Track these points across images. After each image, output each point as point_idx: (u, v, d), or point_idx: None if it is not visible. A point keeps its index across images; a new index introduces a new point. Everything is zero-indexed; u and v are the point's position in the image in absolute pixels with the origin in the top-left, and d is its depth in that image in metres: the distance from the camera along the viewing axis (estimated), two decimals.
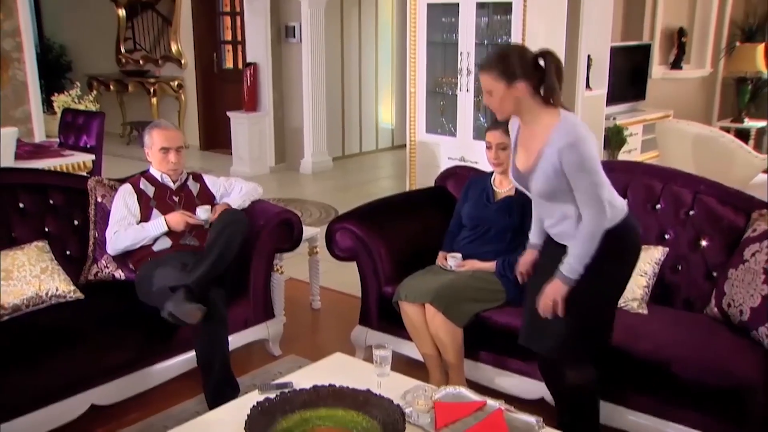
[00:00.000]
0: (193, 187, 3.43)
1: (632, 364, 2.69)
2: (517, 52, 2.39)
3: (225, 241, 3.01)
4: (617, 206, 2.43)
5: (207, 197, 3.42)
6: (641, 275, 3.02)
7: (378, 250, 3.32)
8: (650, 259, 3.05)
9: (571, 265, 2.36)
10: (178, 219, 3.21)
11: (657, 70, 7.74)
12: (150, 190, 3.33)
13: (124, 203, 3.27)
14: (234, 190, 3.52)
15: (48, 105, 7.04)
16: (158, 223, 3.21)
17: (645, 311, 2.98)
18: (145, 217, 3.26)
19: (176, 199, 3.34)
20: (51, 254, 3.13)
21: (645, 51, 7.42)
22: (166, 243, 3.22)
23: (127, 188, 3.32)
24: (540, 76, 2.31)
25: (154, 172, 3.38)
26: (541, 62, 2.32)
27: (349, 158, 9.04)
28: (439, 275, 3.12)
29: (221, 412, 2.38)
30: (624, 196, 3.31)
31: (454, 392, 2.34)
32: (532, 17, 5.16)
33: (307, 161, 8.12)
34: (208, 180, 3.52)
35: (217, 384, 2.94)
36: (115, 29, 10.32)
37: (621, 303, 2.98)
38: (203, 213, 3.26)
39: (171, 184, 3.38)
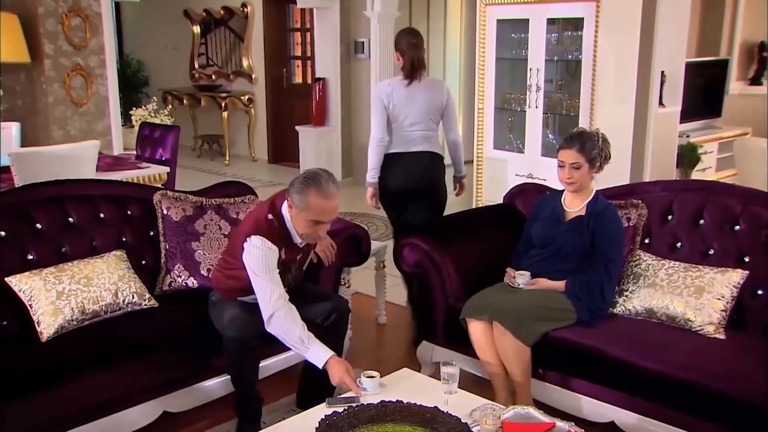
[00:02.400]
0: None
1: (701, 389, 2.60)
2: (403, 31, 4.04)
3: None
4: (391, 148, 3.91)
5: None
6: (718, 299, 2.92)
7: (446, 266, 3.31)
8: (728, 282, 2.95)
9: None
10: (339, 377, 2.60)
11: (735, 86, 7.49)
12: (282, 253, 2.87)
13: (276, 273, 2.78)
14: None
15: (126, 118, 7.32)
16: (317, 359, 2.67)
17: (722, 336, 2.88)
18: None
19: (298, 257, 3.00)
20: (128, 263, 3.23)
21: (722, 66, 7.20)
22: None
23: (275, 251, 2.79)
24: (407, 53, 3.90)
25: (291, 228, 2.85)
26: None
27: None
28: (507, 293, 3.09)
29: (289, 424, 2.41)
30: (700, 217, 3.24)
31: (522, 412, 2.31)
32: (604, 33, 5.08)
33: None
34: None
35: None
36: (190, 46, 10.67)
37: (696, 327, 2.90)
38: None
39: (300, 244, 2.96)
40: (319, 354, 2.66)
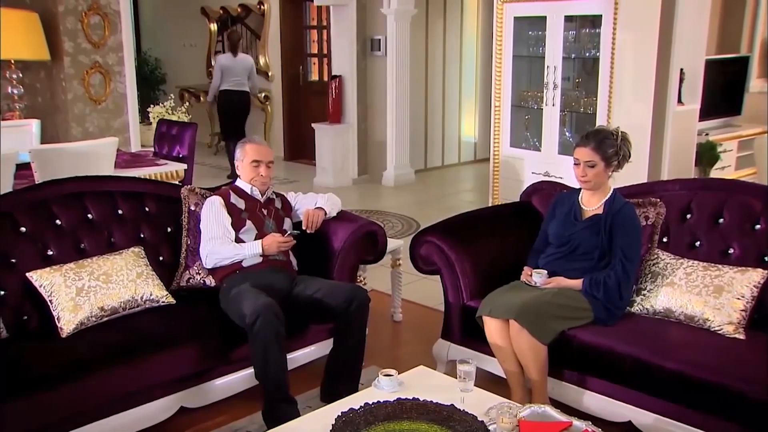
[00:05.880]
0: (277, 202, 3.51)
1: (720, 389, 2.58)
2: (231, 30, 7.54)
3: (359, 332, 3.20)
4: (224, 87, 8.12)
5: (288, 211, 3.51)
6: (738, 298, 2.89)
7: (462, 264, 3.31)
8: (748, 281, 2.92)
9: None
10: (270, 242, 3.26)
11: (755, 83, 7.40)
12: (240, 203, 3.38)
13: (215, 218, 3.31)
14: (311, 199, 3.60)
15: (143, 116, 7.37)
16: (254, 246, 3.26)
17: (742, 336, 2.85)
18: (238, 227, 3.31)
19: (265, 211, 3.41)
20: (146, 260, 3.26)
21: (742, 63, 7.12)
22: (256, 259, 3.28)
23: (216, 201, 3.36)
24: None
25: (243, 185, 3.44)
26: None
27: (431, 171, 9.05)
28: (523, 291, 3.08)
29: (306, 422, 2.42)
30: (720, 216, 3.21)
31: (539, 411, 2.30)
32: (622, 30, 5.04)
33: (390, 173, 8.18)
34: (288, 195, 3.62)
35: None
36: (207, 43, 10.70)
37: (715, 327, 2.87)
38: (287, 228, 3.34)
39: (260, 197, 3.43)
40: (251, 246, 3.27)
